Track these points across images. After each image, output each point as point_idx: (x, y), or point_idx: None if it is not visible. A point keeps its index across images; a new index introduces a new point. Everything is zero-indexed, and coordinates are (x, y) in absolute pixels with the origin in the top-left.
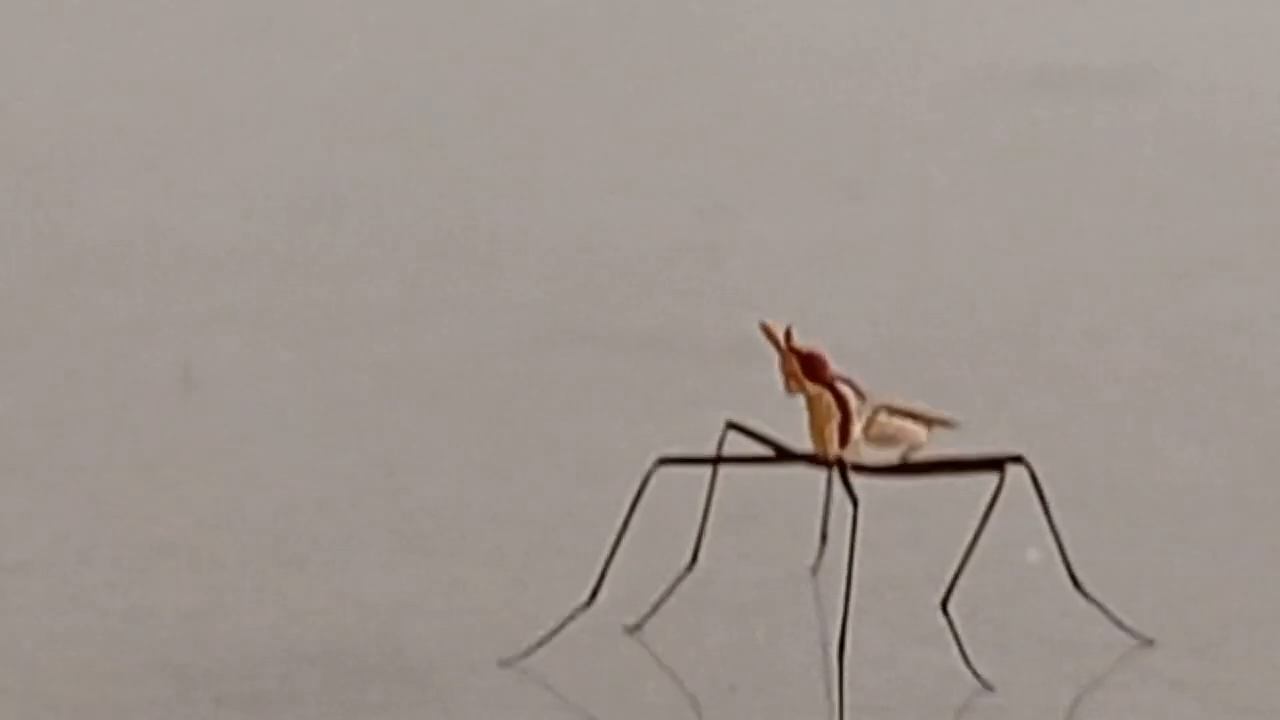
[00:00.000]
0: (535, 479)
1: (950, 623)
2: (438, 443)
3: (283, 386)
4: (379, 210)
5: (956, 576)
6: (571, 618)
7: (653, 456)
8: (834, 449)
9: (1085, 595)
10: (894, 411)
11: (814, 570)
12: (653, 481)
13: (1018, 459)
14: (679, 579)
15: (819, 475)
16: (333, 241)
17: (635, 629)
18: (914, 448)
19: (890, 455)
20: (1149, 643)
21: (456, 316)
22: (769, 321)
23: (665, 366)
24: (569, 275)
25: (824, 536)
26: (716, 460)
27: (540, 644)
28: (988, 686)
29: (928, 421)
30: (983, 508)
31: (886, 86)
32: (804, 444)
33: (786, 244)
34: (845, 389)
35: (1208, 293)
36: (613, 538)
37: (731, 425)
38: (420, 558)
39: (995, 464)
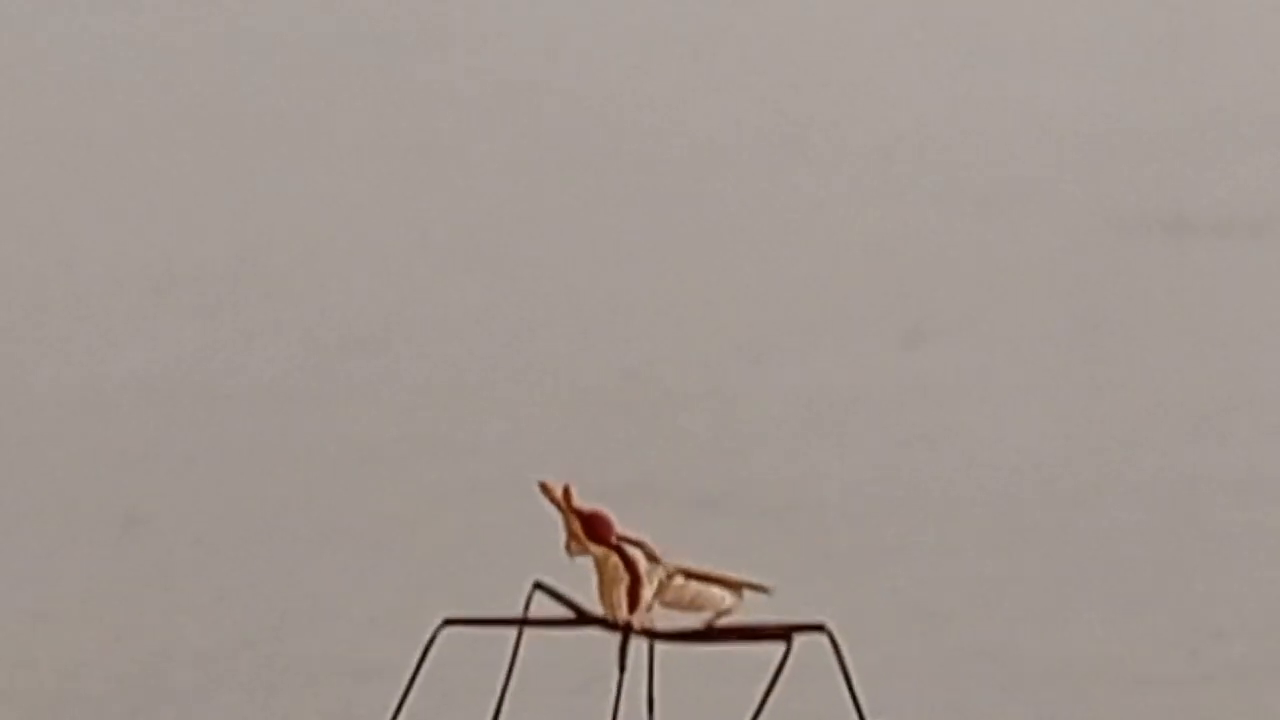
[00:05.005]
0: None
1: None
2: (347, 591)
3: (212, 525)
4: (409, 350)
5: None
6: None
7: None
8: (623, 613)
9: None
10: (692, 575)
11: None
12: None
13: (819, 627)
14: None
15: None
16: (356, 377)
17: None
18: (720, 614)
19: (694, 621)
20: None
21: (428, 460)
22: (548, 481)
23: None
24: (586, 422)
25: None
26: (503, 622)
27: None
28: None
29: (735, 586)
30: (772, 675)
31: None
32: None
33: (822, 390)
34: (634, 551)
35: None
36: (397, 700)
37: (539, 585)
38: (257, 711)
39: (791, 632)
